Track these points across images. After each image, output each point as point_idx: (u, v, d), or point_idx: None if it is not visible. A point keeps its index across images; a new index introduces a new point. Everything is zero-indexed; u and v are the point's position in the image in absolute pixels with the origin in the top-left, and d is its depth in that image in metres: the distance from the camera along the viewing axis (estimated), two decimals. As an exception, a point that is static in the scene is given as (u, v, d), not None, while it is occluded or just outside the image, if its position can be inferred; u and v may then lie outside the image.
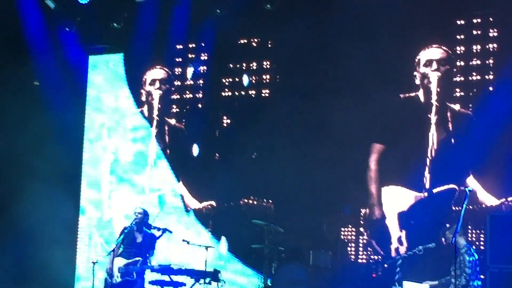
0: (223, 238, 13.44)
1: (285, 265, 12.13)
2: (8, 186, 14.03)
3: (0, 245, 13.93)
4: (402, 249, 12.11)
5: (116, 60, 14.88)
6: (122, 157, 14.72)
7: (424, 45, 12.49)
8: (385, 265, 11.92)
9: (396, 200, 12.49)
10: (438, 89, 12.35)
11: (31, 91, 14.56)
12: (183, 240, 12.21)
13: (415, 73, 12.52)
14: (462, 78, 12.33)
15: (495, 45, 12.12)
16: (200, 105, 14.34)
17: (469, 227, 11.71)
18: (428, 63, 12.45)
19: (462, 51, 12.35)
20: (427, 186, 12.26)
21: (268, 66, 13.73)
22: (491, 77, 12.11)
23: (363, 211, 12.67)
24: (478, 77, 12.23)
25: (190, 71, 14.24)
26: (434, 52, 12.46)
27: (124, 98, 14.83)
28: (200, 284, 11.79)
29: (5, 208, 13.96)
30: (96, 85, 14.94)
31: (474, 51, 12.26)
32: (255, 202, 13.28)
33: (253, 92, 13.84)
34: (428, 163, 12.27)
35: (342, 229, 12.67)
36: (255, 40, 13.80)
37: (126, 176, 14.67)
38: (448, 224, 10.69)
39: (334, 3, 12.44)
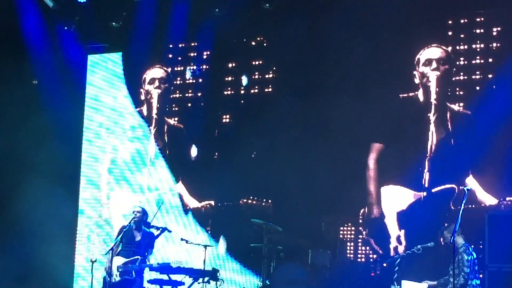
0: (222, 238, 13.42)
1: (283, 264, 12.13)
2: (6, 186, 14.03)
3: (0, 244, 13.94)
4: (401, 248, 12.11)
5: (115, 59, 14.87)
6: (120, 156, 14.71)
7: (423, 45, 12.49)
8: (384, 264, 11.92)
9: (395, 199, 12.49)
10: (438, 89, 12.35)
11: (29, 90, 14.54)
12: (182, 239, 12.21)
13: (414, 72, 12.52)
14: (461, 78, 12.31)
15: (494, 45, 12.12)
16: (197, 105, 14.33)
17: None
18: (428, 63, 12.46)
19: (461, 51, 12.34)
20: (426, 185, 12.27)
21: (265, 65, 13.71)
22: (490, 76, 12.11)
23: (361, 211, 12.65)
24: (478, 77, 12.23)
25: (188, 73, 14.24)
26: (433, 52, 12.46)
27: (122, 98, 14.83)
28: (198, 283, 11.80)
29: (3, 207, 13.97)
30: (94, 84, 14.93)
31: (473, 50, 12.26)
32: (254, 202, 13.27)
33: (252, 91, 13.85)
34: (427, 162, 12.28)
35: (341, 228, 12.66)
36: (254, 39, 13.79)
37: (124, 175, 14.66)
38: (447, 223, 10.68)
39: (333, 2, 12.44)
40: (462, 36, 12.37)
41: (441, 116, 12.32)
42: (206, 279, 11.80)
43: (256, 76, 13.84)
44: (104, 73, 14.93)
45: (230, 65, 14.01)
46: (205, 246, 11.95)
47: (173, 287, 11.88)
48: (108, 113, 14.87)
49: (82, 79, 14.81)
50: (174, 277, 11.95)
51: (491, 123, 11.69)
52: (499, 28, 12.10)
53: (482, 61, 12.21)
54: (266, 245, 12.14)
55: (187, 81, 14.43)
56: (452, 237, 8.95)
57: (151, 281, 11.70)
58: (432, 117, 12.35)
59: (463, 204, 8.94)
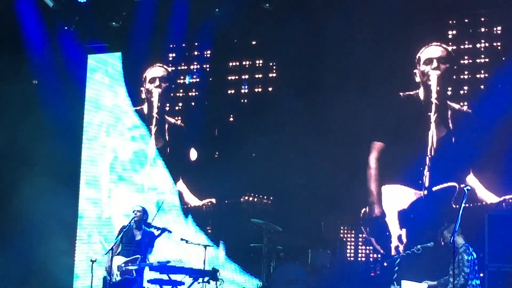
0: (221, 243, 13.41)
1: (283, 264, 12.13)
2: (6, 185, 14.04)
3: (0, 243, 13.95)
4: (402, 247, 12.08)
5: (115, 58, 14.87)
6: (121, 155, 14.72)
7: (424, 43, 12.46)
8: (385, 264, 11.90)
9: (396, 198, 12.47)
10: (438, 88, 12.35)
11: (29, 90, 14.54)
12: (182, 239, 12.22)
13: (415, 70, 12.50)
14: (462, 76, 12.29)
15: (496, 44, 12.09)
16: (198, 104, 14.33)
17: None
18: (428, 62, 12.44)
19: (462, 49, 12.32)
20: (427, 184, 12.26)
21: (266, 65, 13.70)
22: (491, 75, 12.07)
23: (362, 210, 12.64)
24: (478, 75, 12.20)
25: (187, 79, 14.26)
26: (434, 50, 12.45)
27: (122, 97, 14.83)
28: (198, 283, 11.80)
29: (4, 207, 13.97)
30: (95, 84, 14.93)
31: (474, 49, 12.24)
32: (255, 199, 13.24)
33: (254, 90, 13.82)
34: (428, 161, 12.26)
35: (341, 227, 12.65)
36: (255, 39, 13.77)
37: (125, 174, 14.67)
38: (447, 223, 10.67)
39: (333, 1, 12.41)
40: (462, 35, 12.35)
41: (442, 114, 12.31)
42: (206, 279, 11.81)
43: (257, 76, 13.81)
44: (104, 72, 14.92)
45: (230, 64, 13.98)
46: (205, 246, 11.95)
47: (173, 287, 11.89)
48: (108, 113, 14.86)
49: (82, 78, 14.81)
50: (174, 277, 11.96)
51: (492, 121, 11.69)
52: (500, 28, 12.07)
53: (483, 60, 12.19)
54: (266, 245, 12.14)
55: (187, 81, 14.42)
56: (452, 237, 8.92)
57: (151, 281, 11.70)
58: (432, 115, 12.33)
59: (463, 204, 8.92)
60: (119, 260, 10.97)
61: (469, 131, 11.95)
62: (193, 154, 14.06)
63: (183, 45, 14.27)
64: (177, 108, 14.49)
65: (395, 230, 12.41)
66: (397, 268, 10.76)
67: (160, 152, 14.49)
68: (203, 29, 13.57)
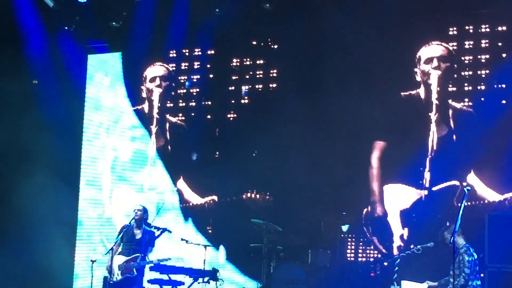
0: (221, 248, 13.41)
1: (283, 264, 12.13)
2: (6, 185, 14.02)
3: (-1, 244, 13.95)
4: (405, 247, 12.08)
5: (115, 58, 14.87)
6: (121, 155, 14.71)
7: (425, 42, 12.47)
8: (385, 263, 11.89)
9: (398, 197, 12.47)
10: (439, 87, 12.34)
11: (29, 90, 14.52)
12: (182, 239, 12.22)
13: (415, 70, 12.51)
14: (463, 75, 12.29)
15: (497, 42, 12.09)
16: (197, 103, 14.33)
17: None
18: (429, 60, 12.44)
19: (463, 48, 12.32)
20: (429, 183, 12.25)
21: (267, 64, 13.71)
22: (492, 73, 12.06)
23: (364, 210, 12.64)
24: (479, 73, 12.19)
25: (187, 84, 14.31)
26: (434, 49, 12.45)
27: (122, 97, 14.83)
28: (198, 283, 11.81)
29: (4, 207, 13.95)
30: (95, 84, 14.93)
31: (476, 48, 12.24)
32: (258, 196, 13.23)
33: (256, 89, 13.82)
34: (429, 160, 12.26)
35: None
36: (255, 38, 13.77)
37: (125, 174, 14.67)
38: (449, 222, 10.68)
39: (333, 0, 12.42)
40: (464, 33, 12.34)
41: (443, 113, 12.31)
42: (206, 279, 11.82)
43: (258, 75, 13.82)
44: (104, 72, 14.92)
45: (231, 64, 13.98)
46: (205, 246, 11.96)
47: (173, 287, 11.89)
48: (108, 113, 14.86)
49: (82, 78, 14.80)
50: (174, 277, 11.96)
51: (493, 120, 11.70)
52: (503, 27, 12.07)
53: (484, 59, 12.18)
54: (266, 245, 12.14)
55: (188, 79, 14.45)
56: (452, 237, 8.92)
57: (151, 281, 11.71)
58: (433, 114, 12.34)
59: (463, 204, 8.93)
60: (119, 260, 10.98)
61: (470, 130, 11.94)
62: (196, 150, 14.08)
63: (183, 45, 14.26)
64: (177, 106, 14.46)
65: (397, 229, 12.40)
66: (397, 268, 10.77)
67: (160, 151, 14.48)
68: (203, 29, 13.57)
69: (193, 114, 14.37)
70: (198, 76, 14.34)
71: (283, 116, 12.97)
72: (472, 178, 11.86)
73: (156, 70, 14.58)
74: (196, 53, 14.33)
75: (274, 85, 13.70)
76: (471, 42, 12.28)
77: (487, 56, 12.16)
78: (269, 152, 13.08)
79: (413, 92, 12.54)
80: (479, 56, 12.21)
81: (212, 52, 14.18)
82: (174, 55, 14.51)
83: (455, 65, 12.33)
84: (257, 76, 13.84)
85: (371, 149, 12.71)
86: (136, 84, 14.71)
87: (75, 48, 14.45)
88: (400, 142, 12.40)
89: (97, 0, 13.60)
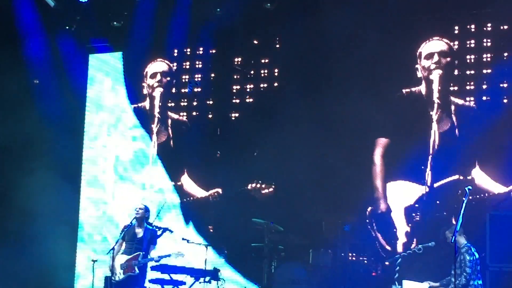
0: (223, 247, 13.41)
1: (285, 264, 12.13)
2: (7, 185, 14.02)
3: (1, 244, 13.91)
4: (410, 244, 12.08)
5: (116, 58, 14.87)
6: (122, 155, 14.71)
7: (426, 38, 12.46)
8: (386, 263, 11.86)
9: (402, 194, 12.47)
10: (440, 81, 12.33)
11: (30, 90, 14.53)
12: (183, 239, 12.22)
13: (416, 66, 12.50)
14: (464, 69, 12.26)
15: (500, 40, 12.08)
16: (199, 102, 14.33)
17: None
18: (429, 56, 12.44)
19: (467, 44, 12.29)
20: (433, 179, 12.24)
21: (269, 64, 13.71)
22: (494, 69, 12.04)
23: (369, 208, 12.63)
24: (481, 70, 12.17)
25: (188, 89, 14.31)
26: (435, 45, 12.44)
27: (123, 96, 14.83)
28: (200, 282, 11.81)
29: (5, 207, 13.96)
30: (96, 84, 14.93)
31: (477, 46, 12.21)
32: (263, 186, 13.21)
33: (258, 89, 13.82)
34: (432, 155, 12.26)
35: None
36: (256, 38, 13.76)
37: (127, 174, 14.66)
38: (454, 216, 10.67)
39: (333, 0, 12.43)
40: (467, 31, 12.30)
41: (445, 109, 12.30)
42: (207, 278, 11.83)
43: (261, 74, 13.82)
44: (105, 72, 14.92)
45: (233, 64, 13.97)
46: (206, 246, 11.96)
47: (174, 286, 11.89)
48: (109, 112, 14.86)
49: (83, 78, 14.80)
50: (176, 276, 11.97)
51: (496, 114, 11.72)
52: (506, 26, 12.05)
53: (486, 55, 12.16)
54: (267, 245, 12.13)
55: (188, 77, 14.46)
56: (453, 237, 8.91)
57: (152, 281, 11.71)
58: (435, 110, 12.33)
59: (464, 203, 8.92)
60: (122, 259, 10.98)
61: (473, 124, 11.93)
62: (198, 148, 14.11)
63: (184, 44, 14.24)
64: (179, 106, 14.44)
65: (402, 226, 12.40)
66: (398, 267, 10.77)
67: (163, 147, 14.45)
68: (205, 29, 13.56)
69: (194, 113, 14.36)
70: (200, 75, 14.32)
71: (285, 115, 12.96)
72: (477, 172, 11.84)
73: (156, 66, 14.57)
74: (197, 53, 14.31)
75: (276, 84, 13.69)
76: (473, 41, 12.26)
77: (490, 55, 12.13)
78: (271, 151, 13.07)
79: (415, 88, 12.53)
80: (481, 55, 12.18)
81: (214, 51, 14.16)
82: (175, 54, 14.49)
83: (456, 61, 12.31)
84: (259, 75, 13.82)
85: (374, 147, 12.71)
86: (137, 83, 14.70)
87: (76, 47, 14.46)
88: (402, 138, 12.41)
89: (98, 0, 13.59)
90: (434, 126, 12.33)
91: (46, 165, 13.87)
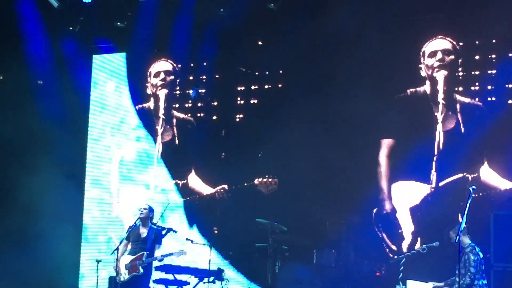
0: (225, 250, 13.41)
1: (289, 264, 12.14)
2: (11, 186, 14.03)
3: (5, 244, 13.94)
4: (415, 244, 12.07)
5: (120, 58, 14.88)
6: (126, 155, 14.72)
7: (430, 37, 12.46)
8: (392, 259, 11.82)
9: (408, 194, 12.47)
10: (444, 79, 12.32)
11: (34, 91, 14.55)
12: (187, 239, 12.23)
13: (420, 65, 12.50)
14: (469, 67, 12.24)
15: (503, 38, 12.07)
16: (204, 102, 14.35)
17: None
18: (433, 54, 12.43)
19: (470, 42, 12.28)
20: (437, 178, 12.22)
21: (272, 65, 13.71)
22: (499, 66, 12.03)
23: (375, 210, 12.64)
24: (486, 69, 12.16)
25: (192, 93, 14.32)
26: (438, 43, 12.42)
27: (127, 97, 14.84)
28: (204, 283, 11.81)
29: (9, 208, 13.97)
30: (99, 84, 14.94)
31: (482, 46, 12.20)
32: (270, 180, 13.22)
33: (261, 89, 13.82)
34: (436, 156, 12.25)
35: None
36: (260, 38, 13.75)
37: (131, 174, 14.68)
38: (461, 213, 10.66)
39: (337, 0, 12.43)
40: (470, 29, 12.28)
41: (450, 107, 12.29)
42: (211, 279, 11.83)
43: (266, 75, 13.83)
44: (108, 72, 14.93)
45: (238, 65, 13.98)
46: (210, 246, 11.97)
47: (178, 287, 11.90)
48: (112, 113, 14.87)
49: (87, 78, 14.81)
50: (180, 277, 11.98)
51: (503, 111, 11.74)
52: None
53: (488, 52, 12.15)
54: (271, 245, 12.14)
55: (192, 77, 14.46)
56: (458, 236, 8.91)
57: (156, 281, 11.71)
58: (440, 108, 12.32)
59: (468, 204, 8.91)
60: (127, 259, 10.98)
61: (479, 121, 11.92)
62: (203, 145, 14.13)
63: (188, 45, 14.22)
64: (184, 104, 14.44)
65: (408, 226, 12.39)
66: (402, 267, 10.77)
67: (168, 147, 14.45)
68: (208, 29, 13.56)
69: (199, 114, 14.36)
70: (204, 76, 14.33)
71: (289, 115, 12.95)
72: (485, 169, 11.83)
73: (160, 65, 14.58)
74: (201, 53, 14.30)
75: (280, 85, 13.68)
76: (478, 41, 12.24)
77: (494, 55, 12.12)
78: (276, 151, 13.08)
79: (419, 88, 12.53)
80: (486, 54, 12.17)
81: (217, 51, 14.15)
82: (179, 55, 14.48)
83: (459, 60, 12.29)
84: (263, 75, 13.82)
85: (379, 147, 12.70)
86: (141, 84, 14.71)
87: (80, 48, 14.47)
88: (407, 138, 12.39)
89: (101, 0, 13.60)
90: (439, 124, 12.32)
91: (50, 165, 13.88)
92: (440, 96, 12.34)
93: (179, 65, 14.51)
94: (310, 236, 12.46)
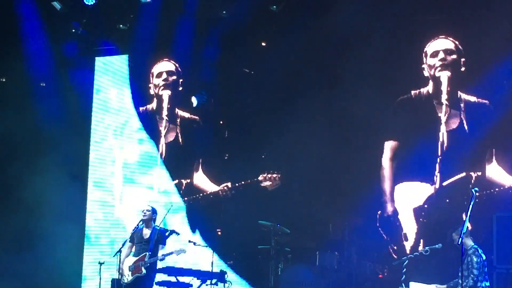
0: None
1: (291, 266, 12.14)
2: (14, 187, 14.05)
3: (8, 245, 13.95)
4: (418, 246, 12.07)
5: (122, 60, 14.89)
6: (129, 157, 14.72)
7: (432, 37, 12.46)
8: (394, 261, 11.80)
9: (410, 196, 12.46)
10: (446, 79, 12.31)
11: (36, 93, 14.57)
12: (190, 241, 12.23)
13: (423, 65, 12.50)
14: (472, 68, 12.22)
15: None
16: (207, 104, 14.37)
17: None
18: (435, 54, 12.42)
19: (473, 41, 12.26)
20: (441, 178, 12.22)
21: (273, 66, 13.71)
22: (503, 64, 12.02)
23: (379, 212, 12.63)
24: (489, 68, 12.11)
25: (194, 101, 14.30)
26: (440, 43, 12.42)
27: (130, 99, 14.84)
28: (206, 285, 11.82)
29: (12, 209, 13.99)
30: (102, 86, 14.94)
31: (484, 44, 12.19)
32: (274, 175, 13.22)
33: (263, 91, 13.82)
34: (440, 157, 12.25)
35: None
36: (263, 40, 13.75)
37: (134, 176, 14.68)
38: (465, 212, 10.66)
39: (339, 2, 12.42)
40: (473, 28, 12.27)
41: (453, 106, 12.28)
42: (214, 281, 11.83)
43: (266, 77, 13.84)
44: (111, 74, 14.94)
45: (239, 65, 13.98)
46: (213, 250, 11.96)
47: (180, 289, 11.91)
48: (115, 115, 14.88)
49: (89, 81, 14.82)
50: (182, 279, 11.97)
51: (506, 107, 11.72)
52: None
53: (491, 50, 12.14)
54: (273, 247, 12.14)
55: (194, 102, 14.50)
56: (460, 238, 8.90)
57: (159, 283, 11.70)
58: (443, 108, 12.31)
59: (471, 206, 8.91)
60: (130, 261, 10.98)
61: (485, 120, 11.93)
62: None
63: (191, 47, 14.22)
64: (188, 102, 14.43)
65: (411, 228, 12.39)
66: (405, 269, 10.76)
67: (171, 147, 14.44)
68: (211, 31, 13.57)
69: (202, 115, 14.37)
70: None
71: (292, 118, 12.96)
72: (493, 167, 11.82)
73: (162, 65, 14.58)
74: (203, 55, 14.31)
75: (283, 87, 13.67)
76: (479, 40, 12.23)
77: (496, 55, 12.10)
78: (279, 153, 13.09)
79: (423, 89, 12.53)
80: (487, 53, 12.15)
81: (221, 53, 14.15)
82: (182, 56, 14.49)
83: (462, 59, 12.28)
84: (265, 77, 13.82)
85: (382, 149, 12.69)
86: (144, 86, 14.71)
87: (83, 50, 14.48)
88: (411, 139, 12.39)
89: (104, 3, 13.61)
90: (443, 125, 12.30)
91: (53, 167, 13.90)
92: (444, 96, 12.34)
93: (182, 67, 14.51)
94: (313, 238, 12.47)
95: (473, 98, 12.22)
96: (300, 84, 13.19)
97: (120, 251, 11.03)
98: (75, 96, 14.54)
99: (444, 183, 12.19)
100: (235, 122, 13.99)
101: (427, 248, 10.84)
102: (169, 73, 14.52)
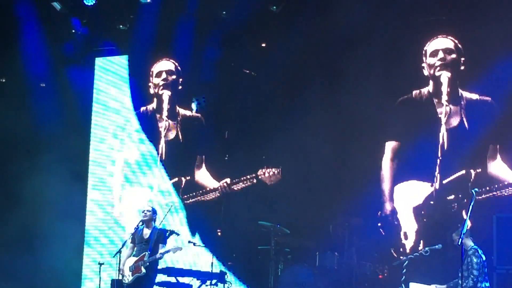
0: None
1: (291, 267, 12.12)
2: (14, 187, 14.06)
3: (8, 245, 13.96)
4: (418, 247, 12.07)
5: (122, 61, 14.89)
6: (130, 157, 14.72)
7: (432, 37, 12.45)
8: (395, 262, 11.80)
9: (410, 195, 12.46)
10: (446, 77, 12.30)
11: (36, 93, 14.58)
12: (189, 242, 12.22)
13: (423, 64, 12.49)
14: (472, 67, 12.20)
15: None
16: (207, 102, 14.36)
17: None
18: (434, 53, 12.41)
19: (473, 40, 12.25)
20: (441, 177, 12.21)
21: (273, 67, 13.71)
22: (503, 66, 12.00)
23: (379, 212, 12.62)
24: (489, 67, 12.11)
25: (194, 106, 14.30)
26: (439, 42, 12.41)
27: (130, 99, 14.84)
28: (206, 285, 11.82)
29: (12, 209, 13.99)
30: (102, 86, 14.94)
31: (483, 43, 12.18)
32: (274, 170, 13.21)
33: (262, 91, 13.83)
34: (441, 155, 12.24)
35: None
36: (263, 40, 13.75)
37: (134, 176, 14.67)
38: (465, 210, 10.66)
39: (340, 2, 12.42)
40: (474, 27, 12.26)
41: (454, 105, 12.27)
42: (214, 281, 11.82)
43: (266, 77, 13.83)
44: (111, 75, 14.94)
45: (239, 65, 13.97)
46: (212, 253, 11.96)
47: (180, 290, 11.90)
48: (115, 115, 14.88)
49: (89, 81, 14.82)
50: (182, 279, 11.97)
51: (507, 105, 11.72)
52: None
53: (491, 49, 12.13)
54: (273, 248, 12.13)
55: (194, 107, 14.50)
56: (460, 239, 8.90)
57: (159, 284, 11.70)
58: (443, 107, 12.30)
59: (471, 207, 8.90)
60: (131, 261, 10.97)
61: (487, 117, 11.91)
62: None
63: (190, 47, 14.22)
64: (188, 101, 14.44)
65: (411, 228, 12.38)
66: (405, 270, 10.76)
67: (172, 146, 14.43)
68: (211, 31, 13.56)
69: (203, 114, 14.37)
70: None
71: (292, 119, 12.96)
72: (497, 163, 11.82)
73: (161, 64, 14.57)
74: (203, 55, 14.30)
75: (282, 88, 13.67)
76: (479, 39, 12.22)
77: (497, 52, 12.08)
78: (279, 154, 13.08)
79: (424, 88, 12.52)
80: (487, 51, 12.14)
81: (220, 54, 14.14)
82: (182, 57, 14.48)
83: (462, 58, 12.27)
84: (264, 78, 13.81)
85: (383, 149, 12.68)
86: (143, 86, 14.71)
87: (83, 50, 14.49)
88: (412, 139, 12.37)
89: (104, 3, 13.61)
90: (443, 124, 12.30)
91: (53, 167, 13.92)
92: (444, 95, 12.33)
93: (182, 67, 14.50)
94: (312, 238, 12.45)
95: (474, 96, 12.21)
96: (300, 85, 13.18)
97: (120, 251, 11.02)
98: (75, 96, 14.55)
99: (445, 181, 12.18)
100: (236, 122, 13.98)
101: (427, 248, 10.84)
102: (169, 72, 14.51)
